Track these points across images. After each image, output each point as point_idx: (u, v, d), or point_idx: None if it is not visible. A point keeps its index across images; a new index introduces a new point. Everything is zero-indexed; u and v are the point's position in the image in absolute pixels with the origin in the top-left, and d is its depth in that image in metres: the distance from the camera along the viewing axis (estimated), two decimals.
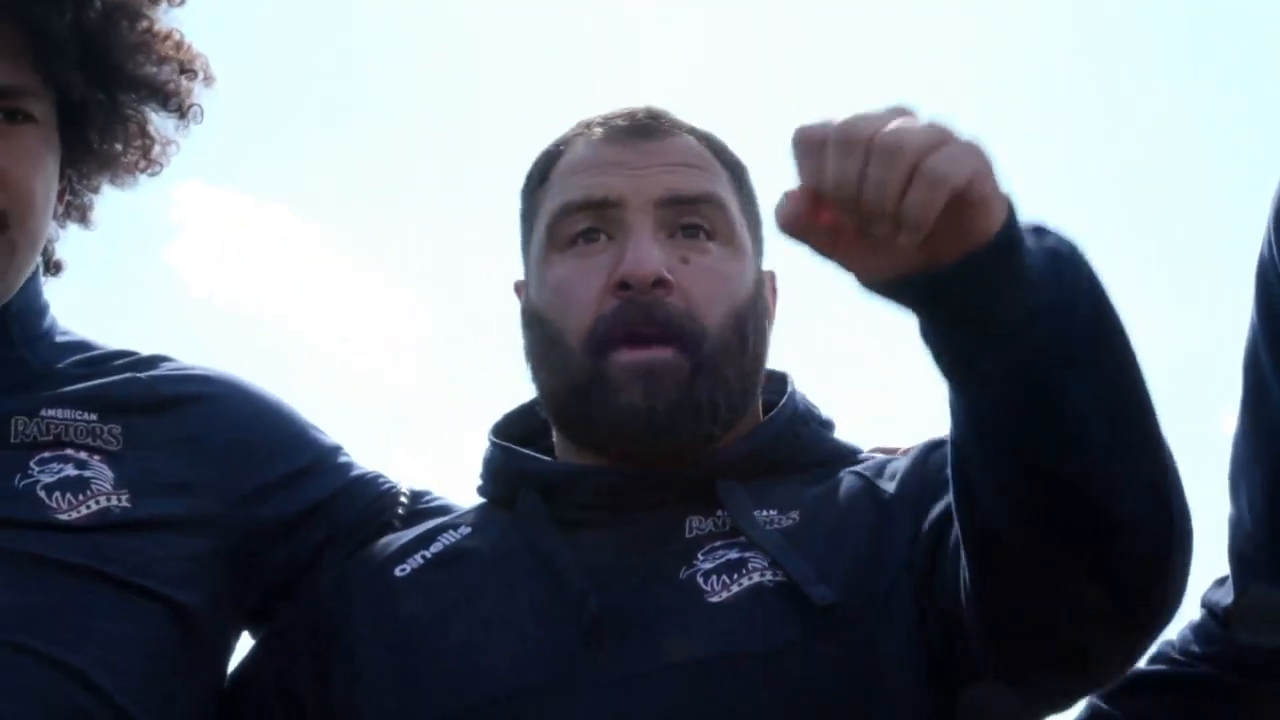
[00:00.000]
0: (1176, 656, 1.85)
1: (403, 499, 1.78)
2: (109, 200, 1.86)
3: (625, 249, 1.57)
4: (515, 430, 1.73)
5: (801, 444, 1.65)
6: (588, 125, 1.67)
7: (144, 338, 1.80)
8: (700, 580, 1.50)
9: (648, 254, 1.56)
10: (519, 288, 1.71)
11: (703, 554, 1.53)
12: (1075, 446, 1.26)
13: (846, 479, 1.59)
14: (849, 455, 1.67)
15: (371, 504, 1.77)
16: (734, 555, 1.51)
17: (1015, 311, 1.21)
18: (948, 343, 1.25)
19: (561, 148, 1.68)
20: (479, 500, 1.72)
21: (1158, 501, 1.30)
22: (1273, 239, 1.65)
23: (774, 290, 1.72)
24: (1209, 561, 1.81)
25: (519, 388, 1.71)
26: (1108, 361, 1.27)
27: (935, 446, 1.56)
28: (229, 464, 1.69)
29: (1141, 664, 1.63)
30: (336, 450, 1.80)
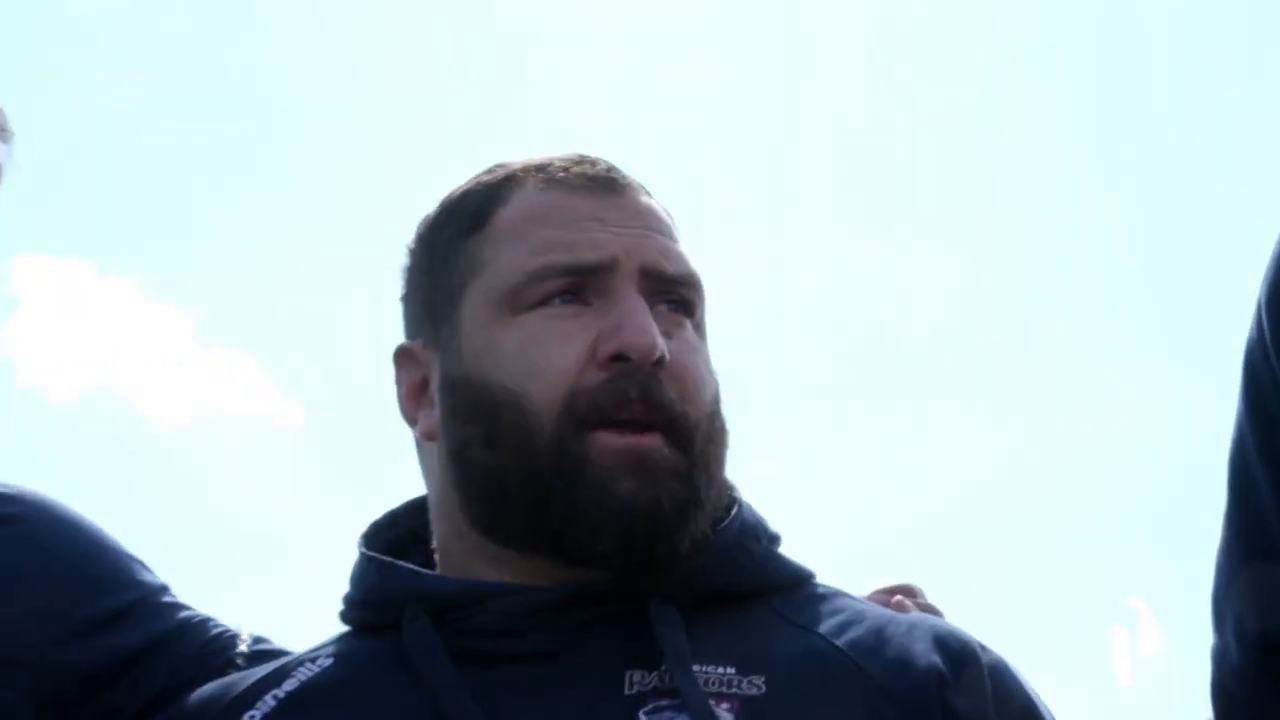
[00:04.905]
0: None
1: (243, 639, 1.58)
2: None
3: (614, 317, 1.35)
4: (382, 540, 1.47)
5: (753, 562, 1.42)
6: (538, 169, 1.44)
7: None
8: None
9: (649, 326, 1.34)
10: (411, 353, 1.46)
11: (645, 713, 1.29)
12: None
13: (823, 647, 1.35)
14: (802, 580, 1.45)
15: (208, 644, 1.57)
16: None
17: None
18: None
19: (504, 190, 1.44)
20: (340, 629, 1.47)
21: None
22: (1264, 323, 1.41)
23: None
24: None
25: (396, 487, 1.49)
26: None
27: (961, 663, 1.35)
28: (38, 599, 1.48)
29: None
30: (163, 589, 1.60)
